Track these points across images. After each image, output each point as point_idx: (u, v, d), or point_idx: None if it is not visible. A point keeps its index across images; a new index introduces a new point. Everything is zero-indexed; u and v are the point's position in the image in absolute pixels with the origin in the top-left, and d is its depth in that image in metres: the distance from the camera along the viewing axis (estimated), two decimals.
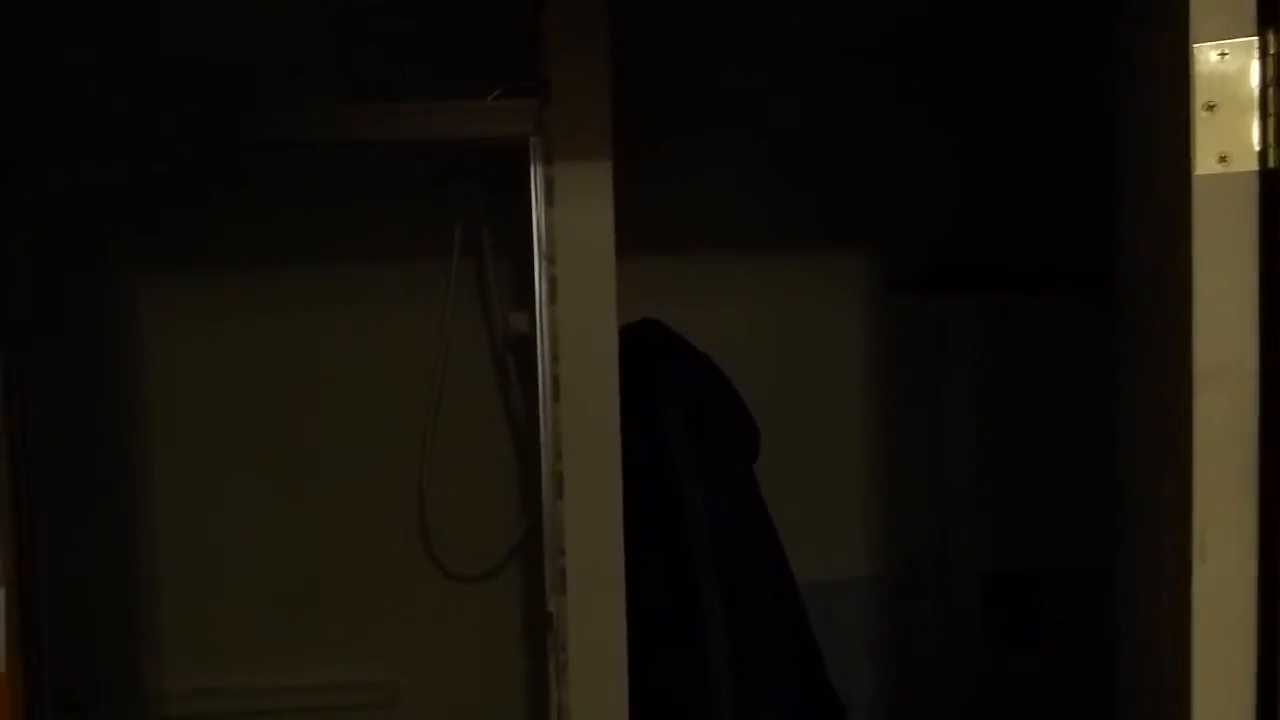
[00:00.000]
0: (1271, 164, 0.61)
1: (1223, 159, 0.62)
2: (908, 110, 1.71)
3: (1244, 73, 0.61)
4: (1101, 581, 0.99)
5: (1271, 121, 0.61)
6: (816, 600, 1.66)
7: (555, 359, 1.27)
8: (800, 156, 1.71)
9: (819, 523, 1.74)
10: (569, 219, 1.25)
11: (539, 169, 1.26)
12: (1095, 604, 1.05)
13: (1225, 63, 0.61)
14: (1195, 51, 0.62)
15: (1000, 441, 1.78)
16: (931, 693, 1.83)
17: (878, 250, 1.77)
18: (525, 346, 1.44)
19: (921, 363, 1.78)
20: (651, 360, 1.49)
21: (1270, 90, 0.61)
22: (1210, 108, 0.62)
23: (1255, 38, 0.61)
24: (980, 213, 1.74)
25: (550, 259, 1.26)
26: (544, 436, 1.30)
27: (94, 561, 1.62)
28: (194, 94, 1.53)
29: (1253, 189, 0.62)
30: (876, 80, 1.71)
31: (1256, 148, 0.62)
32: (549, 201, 1.25)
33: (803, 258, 1.76)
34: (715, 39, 1.65)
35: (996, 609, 1.82)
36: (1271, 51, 0.60)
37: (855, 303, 1.77)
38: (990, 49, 1.69)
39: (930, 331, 1.78)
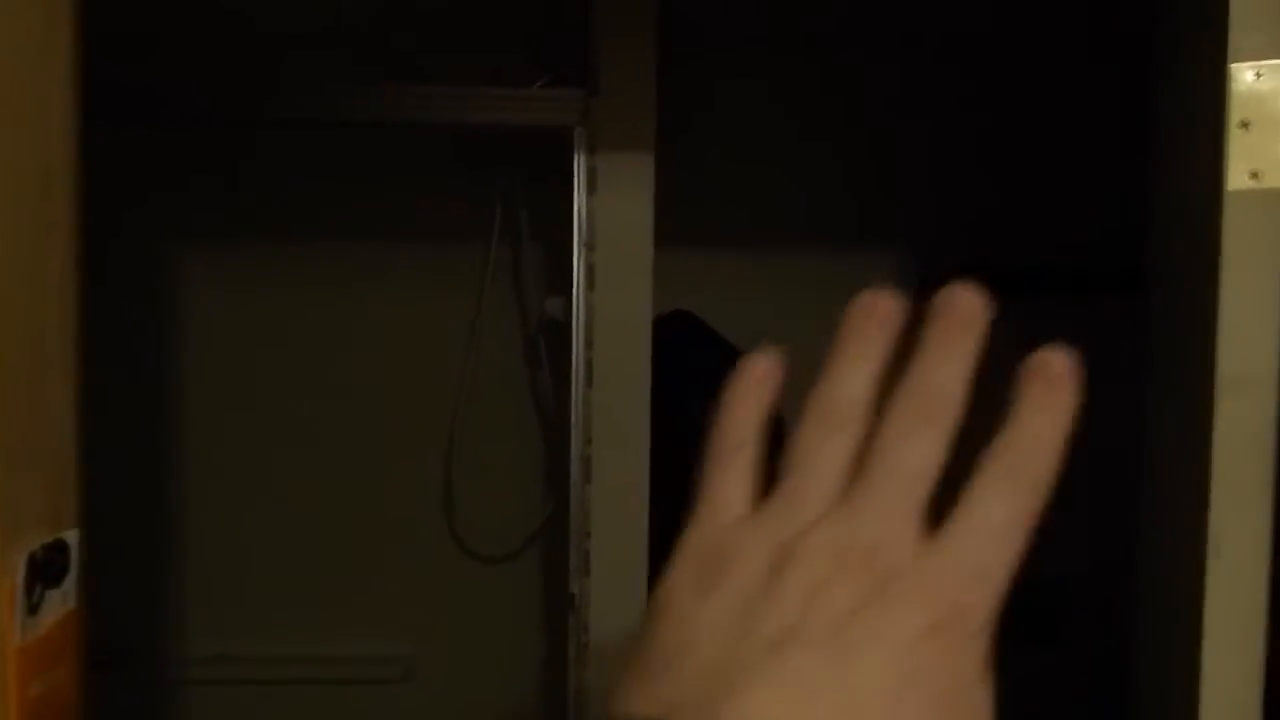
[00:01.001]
0: None
1: (1254, 175, 0.64)
2: (948, 109, 1.73)
3: (1278, 92, 0.63)
4: (1111, 586, 1.01)
5: None
6: None
7: (590, 345, 1.30)
8: (837, 153, 1.73)
9: None
10: (610, 208, 1.28)
11: (582, 158, 1.29)
12: (1105, 608, 1.07)
13: (1260, 82, 0.63)
14: (1232, 70, 0.64)
15: None
16: None
17: (911, 249, 1.79)
18: (558, 331, 1.47)
19: None
20: (682, 351, 1.52)
21: None
22: (1244, 125, 0.64)
23: None
24: (1017, 215, 1.75)
25: (590, 246, 1.29)
26: (574, 421, 1.33)
27: (124, 526, 1.66)
28: (239, 62, 1.54)
29: None
30: (918, 77, 1.72)
31: None
32: (591, 190, 1.29)
33: (836, 254, 1.78)
34: (760, 31, 1.67)
35: (1007, 612, 1.84)
36: None
37: None
38: (1037, 51, 1.70)
39: None
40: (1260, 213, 0.64)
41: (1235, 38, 0.64)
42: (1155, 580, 0.81)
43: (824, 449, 0.34)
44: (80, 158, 0.56)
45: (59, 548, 0.56)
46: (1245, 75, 0.64)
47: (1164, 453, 0.78)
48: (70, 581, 0.58)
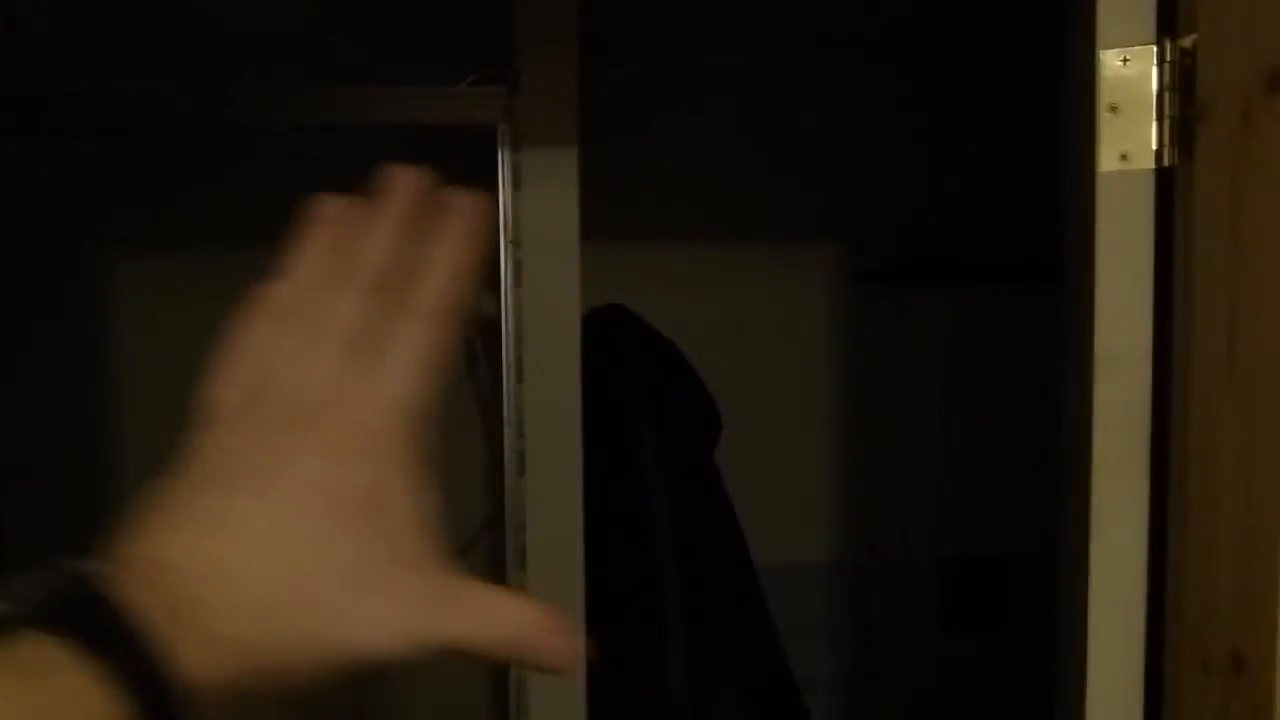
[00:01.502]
0: (1167, 162, 0.65)
1: (1124, 157, 0.66)
2: (878, 103, 1.75)
3: (1144, 77, 0.65)
4: (1051, 567, 1.03)
5: (1168, 123, 0.65)
6: (776, 585, 1.71)
7: (519, 340, 1.31)
8: (768, 148, 1.75)
9: (779, 508, 1.79)
10: (535, 204, 1.29)
11: (506, 154, 1.30)
12: (1052, 589, 1.10)
13: (1127, 68, 0.65)
14: (1101, 56, 0.66)
15: (961, 429, 1.83)
16: (890, 676, 1.88)
17: (845, 242, 1.81)
18: (492, 328, 1.47)
19: (886, 353, 1.82)
20: (616, 345, 1.53)
21: (1167, 94, 0.65)
22: (1113, 109, 0.66)
23: (1154, 45, 0.65)
24: (948, 208, 1.78)
25: (516, 243, 1.30)
26: (507, 415, 1.34)
27: (65, 540, 1.65)
28: (163, 67, 1.53)
29: (1150, 186, 0.66)
30: (848, 72, 1.74)
31: (1154, 147, 0.66)
32: (515, 186, 1.29)
33: (770, 247, 1.80)
34: (686, 29, 1.69)
35: (955, 593, 1.86)
36: (1169, 58, 0.64)
37: (821, 293, 1.81)
38: (969, 48, 1.72)
39: (895, 322, 1.82)
40: (1130, 193, 0.66)
41: (1103, 24, 0.66)
42: (1065, 558, 0.84)
43: (340, 304, 0.38)
44: None
45: None
46: (1113, 60, 0.66)
47: (1065, 434, 0.80)
48: None
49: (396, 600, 0.35)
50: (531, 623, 0.37)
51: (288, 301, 0.39)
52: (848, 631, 1.88)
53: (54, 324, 1.62)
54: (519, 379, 1.32)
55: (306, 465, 0.35)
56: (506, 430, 1.35)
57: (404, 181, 0.41)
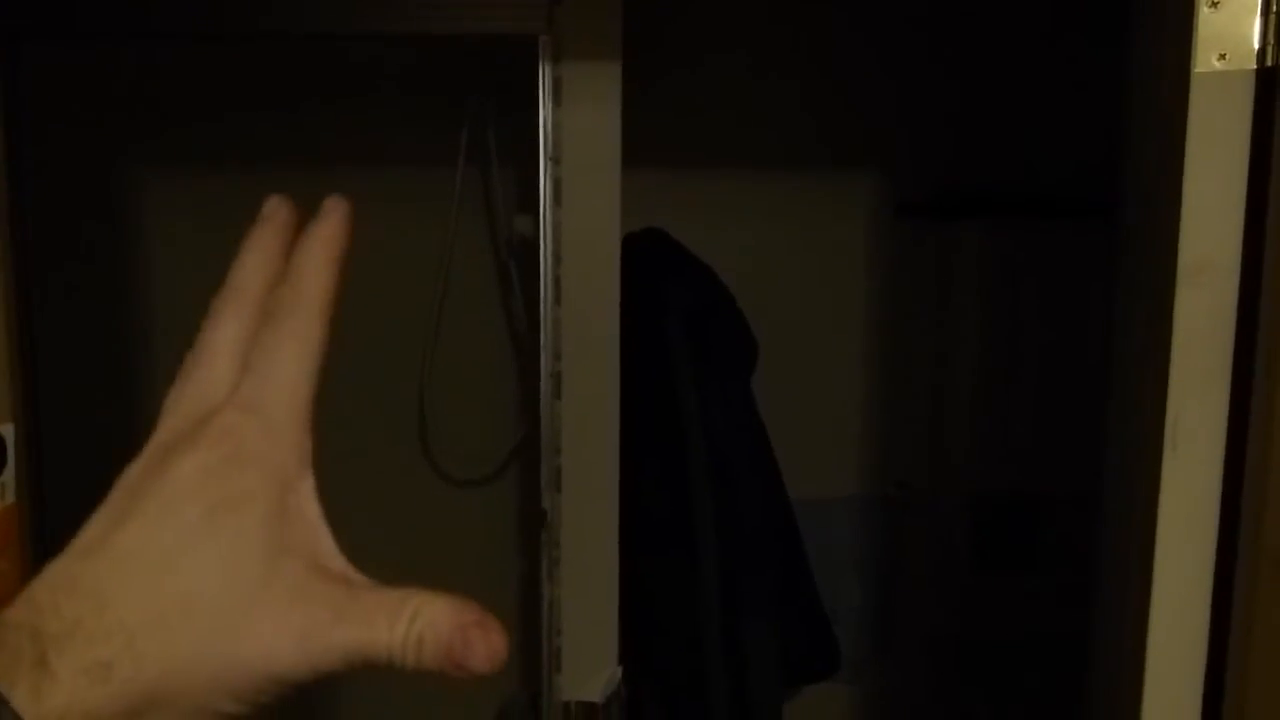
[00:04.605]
0: (1270, 62, 0.61)
1: (1222, 57, 0.62)
2: (920, 33, 1.70)
3: None
4: (1092, 509, 1.01)
5: (1273, 19, 0.61)
6: (808, 517, 1.70)
7: (558, 261, 1.28)
8: (810, 79, 1.71)
9: (814, 440, 1.77)
10: (576, 120, 1.25)
11: (547, 68, 1.26)
12: (1085, 530, 1.08)
13: None
14: None
15: (1000, 365, 1.80)
16: (917, 612, 1.87)
17: (886, 174, 1.77)
18: (528, 251, 1.45)
19: (925, 286, 1.79)
20: (654, 268, 1.50)
21: None
22: (1214, 4, 0.62)
23: None
24: (991, 139, 1.73)
25: (556, 160, 1.26)
26: (544, 338, 1.32)
27: (95, 461, 1.65)
28: None
29: (1249, 88, 0.62)
30: (890, 2, 1.69)
31: (1256, 45, 0.62)
32: (556, 102, 1.25)
33: (810, 179, 1.76)
34: None
35: (986, 531, 1.85)
36: None
37: (861, 225, 1.78)
38: None
39: (936, 255, 1.78)
40: (1227, 95, 0.63)
41: None
42: (1116, 489, 0.81)
43: (216, 333, 0.40)
44: None
45: None
46: None
47: (1126, 349, 0.77)
48: (8, 474, 0.57)
49: (292, 608, 0.33)
50: (465, 621, 0.35)
51: (200, 333, 0.40)
52: (878, 566, 1.87)
53: (89, 239, 1.61)
54: (557, 301, 1.29)
55: (183, 479, 0.35)
56: (543, 353, 1.32)
57: (280, 210, 0.43)
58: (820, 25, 1.69)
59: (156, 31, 1.33)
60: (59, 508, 0.61)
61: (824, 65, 1.71)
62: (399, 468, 1.72)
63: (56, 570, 0.33)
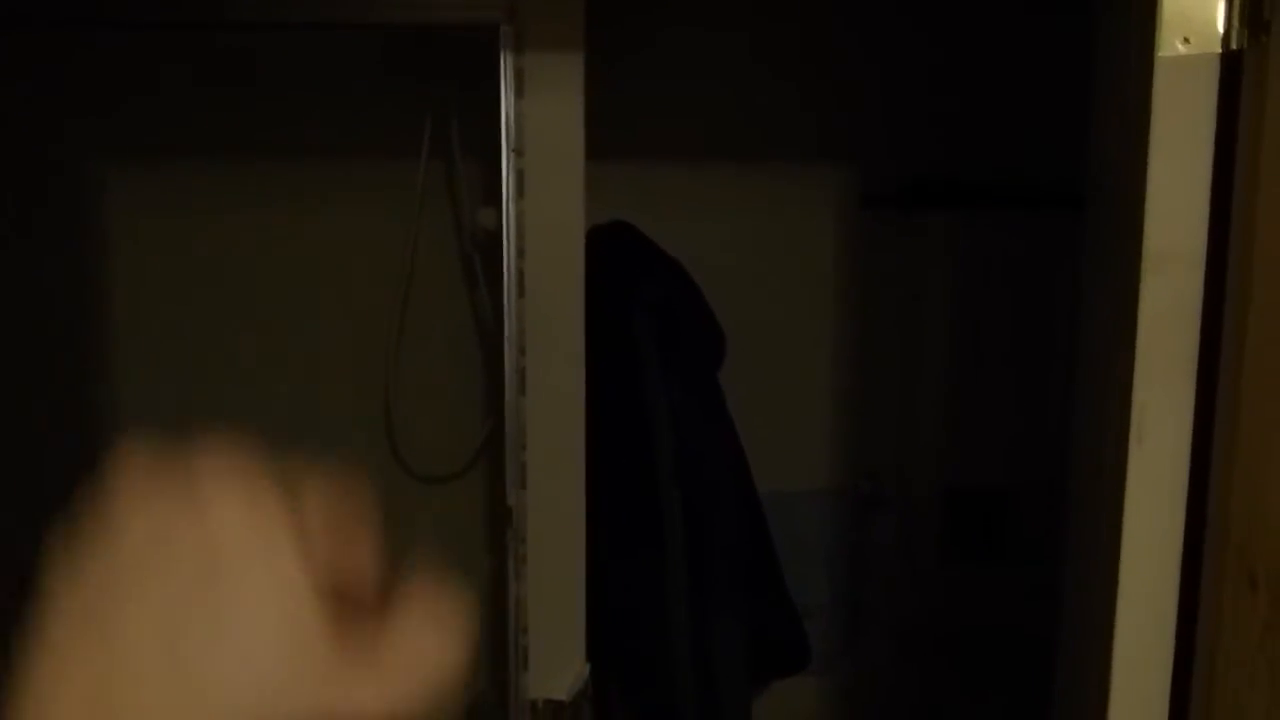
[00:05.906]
0: (1234, 46, 0.61)
1: (1186, 40, 0.61)
2: (890, 22, 1.69)
3: None
4: (1061, 500, 1.01)
5: (1238, 2, 0.60)
6: (777, 510, 1.69)
7: (521, 254, 1.26)
8: (778, 68, 1.69)
9: (783, 434, 1.76)
10: (539, 110, 1.23)
11: (509, 58, 1.24)
12: (1054, 522, 1.08)
13: None
14: None
15: (969, 358, 1.80)
16: (887, 604, 1.87)
17: (854, 166, 1.76)
18: (492, 244, 1.43)
19: (894, 278, 1.78)
20: (620, 261, 1.49)
21: None
22: None
23: None
24: (959, 130, 1.73)
25: (518, 151, 1.24)
26: (508, 332, 1.30)
27: (49, 456, 1.62)
28: None
29: (1214, 72, 0.61)
30: None
31: (1220, 29, 0.61)
32: (518, 93, 1.23)
33: (778, 171, 1.75)
34: None
35: (955, 524, 1.85)
36: None
37: (830, 216, 1.77)
38: None
39: (902, 247, 1.78)
40: (1191, 80, 0.62)
41: None
42: (1083, 480, 0.81)
43: None
44: None
45: None
46: None
47: (1092, 345, 0.76)
48: None
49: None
50: None
51: None
52: (847, 560, 1.86)
53: (40, 227, 1.57)
54: (520, 294, 1.27)
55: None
56: (507, 348, 1.30)
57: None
58: (787, 18, 1.68)
59: (118, 20, 1.30)
60: None
61: (791, 58, 1.69)
62: (364, 461, 1.69)
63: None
